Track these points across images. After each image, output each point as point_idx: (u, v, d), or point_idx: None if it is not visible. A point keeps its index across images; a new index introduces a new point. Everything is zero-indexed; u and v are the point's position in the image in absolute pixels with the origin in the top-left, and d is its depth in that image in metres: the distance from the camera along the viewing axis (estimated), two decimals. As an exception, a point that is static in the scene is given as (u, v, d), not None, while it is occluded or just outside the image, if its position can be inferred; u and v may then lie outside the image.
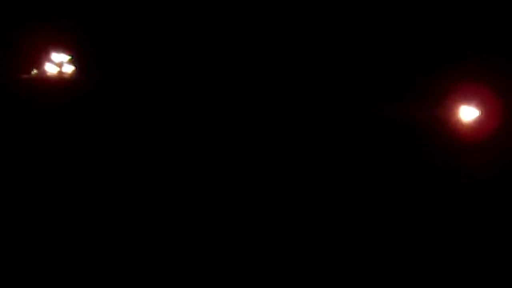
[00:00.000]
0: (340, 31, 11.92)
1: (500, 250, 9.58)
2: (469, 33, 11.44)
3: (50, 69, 12.59)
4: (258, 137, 11.42)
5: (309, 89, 11.89)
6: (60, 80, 12.46)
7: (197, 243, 9.70)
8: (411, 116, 11.35)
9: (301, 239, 9.78)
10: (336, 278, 9.14)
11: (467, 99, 11.22)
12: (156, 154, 11.23)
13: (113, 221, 10.08)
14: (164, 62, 12.21)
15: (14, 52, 12.43)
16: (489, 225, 9.98)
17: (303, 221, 10.13)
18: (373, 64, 11.81)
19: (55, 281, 9.00)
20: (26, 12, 12.34)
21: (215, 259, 9.41)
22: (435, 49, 11.57)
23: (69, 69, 12.59)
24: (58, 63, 12.61)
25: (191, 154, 11.22)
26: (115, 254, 9.45)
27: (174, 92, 11.95)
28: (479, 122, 11.15)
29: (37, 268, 9.17)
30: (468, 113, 11.22)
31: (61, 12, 12.29)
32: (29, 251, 9.45)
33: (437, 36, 11.62)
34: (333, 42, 11.94)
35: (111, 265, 9.27)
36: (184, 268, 9.26)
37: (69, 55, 12.59)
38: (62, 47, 12.59)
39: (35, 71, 12.64)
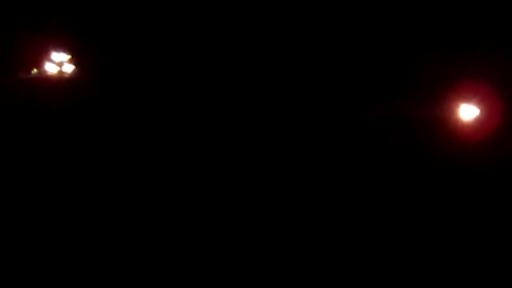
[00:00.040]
0: (340, 31, 11.92)
1: (500, 248, 9.58)
2: (469, 32, 11.44)
3: (50, 68, 12.60)
4: (258, 136, 11.43)
5: (309, 88, 11.89)
6: (60, 80, 12.47)
7: (197, 243, 9.70)
8: (411, 115, 11.35)
9: (301, 238, 9.79)
10: (336, 278, 9.15)
11: (467, 98, 11.22)
12: (156, 153, 11.23)
13: (114, 220, 10.09)
14: (164, 62, 12.22)
15: (14, 51, 12.44)
16: (489, 223, 9.98)
17: (303, 220, 10.14)
18: (373, 64, 11.81)
19: (55, 281, 9.01)
20: (26, 12, 12.35)
21: (215, 258, 9.42)
22: (435, 48, 11.57)
23: (69, 68, 12.60)
24: (58, 63, 12.61)
25: (191, 152, 11.23)
26: (114, 253, 9.46)
27: (173, 91, 11.96)
28: (479, 121, 11.15)
29: (37, 268, 9.17)
30: (468, 112, 11.22)
31: (61, 12, 12.31)
32: (29, 250, 9.46)
33: (437, 35, 11.62)
34: (333, 41, 11.95)
35: (111, 265, 9.28)
36: (184, 268, 9.27)
37: (69, 55, 12.60)
38: (62, 46, 12.60)
39: (35, 71, 12.65)
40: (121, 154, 11.24)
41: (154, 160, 11.16)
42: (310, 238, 9.84)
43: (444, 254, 9.54)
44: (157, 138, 11.45)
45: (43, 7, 12.32)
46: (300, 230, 10.00)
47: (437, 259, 9.49)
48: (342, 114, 11.60)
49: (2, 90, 11.98)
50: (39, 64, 12.66)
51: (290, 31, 12.02)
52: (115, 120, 11.68)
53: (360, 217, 10.19)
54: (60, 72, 12.61)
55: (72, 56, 12.62)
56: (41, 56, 12.64)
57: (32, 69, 12.65)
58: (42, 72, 12.66)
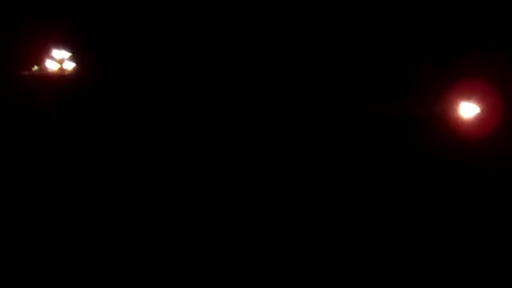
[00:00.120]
0: (340, 31, 11.95)
1: (500, 247, 9.57)
2: (469, 31, 11.47)
3: (51, 65, 12.62)
4: (258, 136, 11.44)
5: (308, 88, 11.91)
6: (60, 77, 12.49)
7: (197, 242, 9.69)
8: (412, 113, 11.37)
9: (301, 238, 9.78)
10: (336, 278, 9.14)
11: (467, 96, 11.25)
12: (156, 150, 11.24)
13: (113, 219, 10.08)
14: (164, 59, 12.24)
15: (15, 49, 12.47)
16: (489, 222, 9.98)
17: (303, 220, 10.14)
18: (373, 63, 11.84)
19: (55, 281, 8.99)
20: (27, 10, 12.38)
21: (215, 258, 9.40)
22: (435, 47, 11.60)
23: (69, 66, 12.62)
24: (59, 60, 12.64)
25: (191, 149, 11.23)
26: (113, 253, 9.45)
27: (173, 88, 11.97)
28: (479, 119, 11.17)
29: (37, 268, 9.15)
30: (468, 110, 11.24)
31: (62, 10, 12.34)
32: (29, 249, 9.44)
33: (437, 34, 11.65)
34: (333, 41, 11.97)
35: (110, 264, 9.26)
36: (184, 268, 9.26)
37: (70, 52, 12.62)
38: (63, 44, 12.63)
39: (36, 68, 12.66)
40: (121, 151, 11.24)
41: (154, 156, 11.16)
42: (310, 238, 9.83)
43: (445, 253, 9.53)
44: (157, 135, 11.45)
45: (44, 5, 12.35)
46: (300, 229, 9.99)
47: (438, 258, 9.47)
48: (342, 114, 11.62)
49: (3, 86, 11.98)
50: (40, 61, 12.69)
51: (290, 31, 12.05)
52: (115, 117, 11.69)
53: (360, 216, 10.19)
54: (61, 69, 12.63)
55: (73, 54, 12.64)
56: (42, 53, 12.67)
57: (33, 66, 12.67)
58: (43, 69, 12.68)
